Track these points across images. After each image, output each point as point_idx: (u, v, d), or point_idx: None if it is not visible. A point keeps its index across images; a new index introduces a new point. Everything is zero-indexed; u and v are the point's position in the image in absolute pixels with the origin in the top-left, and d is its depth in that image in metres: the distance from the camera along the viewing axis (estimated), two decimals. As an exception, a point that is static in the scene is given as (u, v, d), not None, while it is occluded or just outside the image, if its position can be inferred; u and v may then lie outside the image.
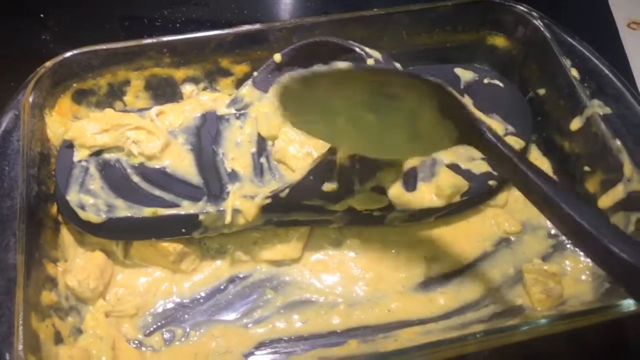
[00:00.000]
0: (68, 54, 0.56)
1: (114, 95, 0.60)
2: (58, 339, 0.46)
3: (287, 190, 0.50)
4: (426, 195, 0.55)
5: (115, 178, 0.52)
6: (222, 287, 0.53)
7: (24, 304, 0.42)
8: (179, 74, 0.60)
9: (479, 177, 0.57)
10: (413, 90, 0.43)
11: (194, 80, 0.61)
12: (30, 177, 0.49)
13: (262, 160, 0.55)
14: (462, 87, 0.63)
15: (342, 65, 0.42)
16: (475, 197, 0.57)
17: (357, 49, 0.56)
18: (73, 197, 0.50)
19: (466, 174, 0.57)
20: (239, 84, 0.62)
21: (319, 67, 0.41)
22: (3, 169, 0.48)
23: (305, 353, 0.50)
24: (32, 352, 0.42)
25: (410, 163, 0.56)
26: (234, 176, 0.54)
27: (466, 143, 0.46)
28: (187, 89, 0.61)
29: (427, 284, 0.55)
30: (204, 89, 0.62)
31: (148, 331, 0.50)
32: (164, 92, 0.61)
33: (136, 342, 0.50)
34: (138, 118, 0.54)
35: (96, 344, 0.46)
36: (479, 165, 0.58)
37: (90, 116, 0.55)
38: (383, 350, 0.48)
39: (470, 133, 0.44)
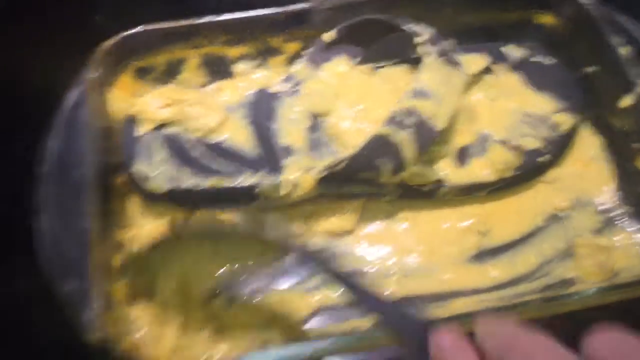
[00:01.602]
0: (128, 32, 0.57)
1: (171, 73, 0.61)
2: (130, 300, 0.48)
3: (343, 164, 0.51)
4: (478, 170, 0.56)
5: (177, 151, 0.54)
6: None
7: (98, 266, 0.44)
8: (233, 52, 0.62)
9: (530, 153, 0.58)
10: None
11: (247, 59, 0.63)
12: (98, 148, 0.51)
13: (315, 135, 0.56)
14: (511, 65, 0.64)
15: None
16: (527, 172, 0.58)
17: (407, 28, 0.57)
18: (138, 168, 0.52)
19: (517, 150, 0.57)
20: (289, 62, 0.63)
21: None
22: (73, 140, 0.50)
23: (360, 319, 0.51)
24: (107, 311, 0.44)
25: (461, 141, 0.57)
26: (289, 150, 0.55)
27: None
28: (239, 67, 0.63)
29: (479, 257, 0.55)
30: (256, 67, 0.63)
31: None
32: (218, 70, 0.62)
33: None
34: (198, 94, 0.56)
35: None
36: (530, 141, 0.58)
37: (153, 92, 0.56)
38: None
39: None
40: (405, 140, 0.51)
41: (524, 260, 0.55)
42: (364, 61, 0.61)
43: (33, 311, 0.50)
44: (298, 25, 0.62)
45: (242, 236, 0.48)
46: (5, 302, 0.50)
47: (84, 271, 0.44)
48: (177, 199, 0.53)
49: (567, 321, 0.50)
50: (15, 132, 0.54)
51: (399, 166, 0.52)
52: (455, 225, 0.57)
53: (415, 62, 0.61)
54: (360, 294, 0.40)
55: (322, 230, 0.56)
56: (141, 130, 0.55)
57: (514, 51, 0.65)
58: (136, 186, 0.53)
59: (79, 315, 0.42)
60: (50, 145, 0.49)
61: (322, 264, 0.43)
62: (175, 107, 0.55)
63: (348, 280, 0.41)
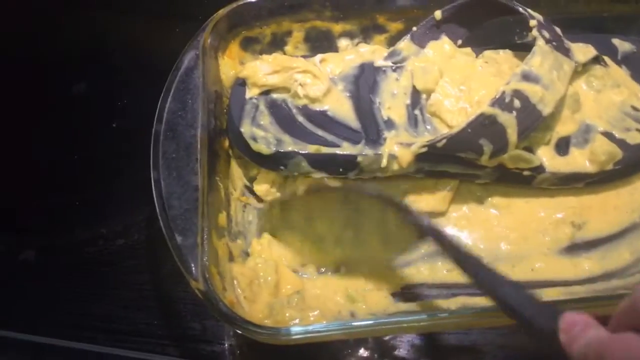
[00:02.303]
0: (242, 2, 0.59)
1: (276, 44, 0.62)
2: (230, 258, 0.51)
3: (444, 141, 0.52)
4: (578, 160, 0.55)
5: (282, 116, 0.56)
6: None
7: (206, 222, 0.47)
8: (337, 28, 0.63)
9: (633, 148, 0.56)
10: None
11: (350, 35, 0.63)
12: (208, 111, 0.53)
13: (417, 112, 0.57)
14: (619, 57, 0.62)
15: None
16: (628, 167, 0.56)
17: (520, 9, 0.57)
18: (246, 129, 0.54)
19: (620, 143, 0.56)
20: (391, 41, 0.64)
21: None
22: (187, 102, 0.52)
23: (448, 299, 0.52)
24: (213, 264, 0.46)
25: (563, 129, 0.56)
26: (390, 124, 0.56)
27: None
28: (342, 43, 0.63)
29: (572, 249, 0.55)
30: (358, 44, 0.64)
31: (302, 263, 0.54)
32: (321, 45, 0.63)
33: (293, 270, 0.54)
34: (305, 62, 0.57)
35: (262, 266, 0.50)
36: (634, 136, 0.57)
37: (263, 57, 0.58)
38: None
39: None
40: (510, 122, 0.51)
41: (617, 256, 0.54)
42: (467, 43, 0.61)
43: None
44: (405, 4, 0.62)
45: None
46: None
47: (193, 226, 0.46)
48: (281, 161, 0.54)
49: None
50: (140, 89, 0.57)
51: (501, 148, 0.52)
52: (550, 215, 0.56)
53: (519, 47, 0.60)
54: (479, 271, 0.41)
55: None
56: (249, 93, 0.57)
57: (622, 44, 0.63)
58: (242, 147, 0.55)
59: (188, 266, 0.44)
60: (168, 105, 0.52)
61: (443, 242, 0.45)
62: (284, 74, 0.56)
63: (468, 258, 0.42)
